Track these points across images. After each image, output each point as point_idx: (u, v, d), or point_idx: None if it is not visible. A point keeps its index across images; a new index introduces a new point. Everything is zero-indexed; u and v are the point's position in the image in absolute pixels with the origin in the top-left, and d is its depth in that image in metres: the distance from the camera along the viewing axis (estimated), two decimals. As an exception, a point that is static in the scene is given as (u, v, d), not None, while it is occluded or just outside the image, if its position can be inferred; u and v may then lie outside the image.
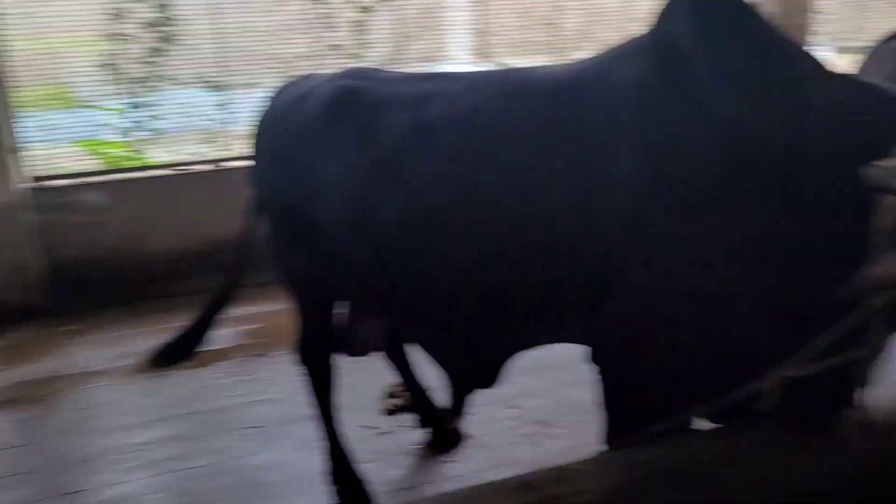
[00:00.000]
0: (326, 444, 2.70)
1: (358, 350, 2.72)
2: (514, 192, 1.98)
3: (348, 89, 2.27)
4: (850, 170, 1.59)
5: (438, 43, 5.52)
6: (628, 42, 2.00)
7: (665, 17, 1.89)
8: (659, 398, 2.00)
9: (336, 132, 2.22)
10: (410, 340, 2.72)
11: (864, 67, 4.06)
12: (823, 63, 1.80)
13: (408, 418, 3.18)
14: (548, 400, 3.35)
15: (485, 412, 3.12)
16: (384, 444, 3.07)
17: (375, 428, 3.15)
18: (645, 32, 1.96)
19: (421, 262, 2.13)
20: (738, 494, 1.75)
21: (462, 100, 2.08)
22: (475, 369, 2.38)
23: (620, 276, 1.90)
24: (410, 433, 3.10)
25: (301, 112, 2.31)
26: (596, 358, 2.11)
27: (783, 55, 1.78)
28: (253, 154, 2.52)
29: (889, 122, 1.64)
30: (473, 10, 5.54)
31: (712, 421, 2.02)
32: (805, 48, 1.88)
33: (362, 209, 2.15)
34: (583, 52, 5.97)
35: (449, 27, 5.56)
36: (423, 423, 3.07)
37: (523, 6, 5.70)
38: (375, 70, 2.47)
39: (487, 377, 2.37)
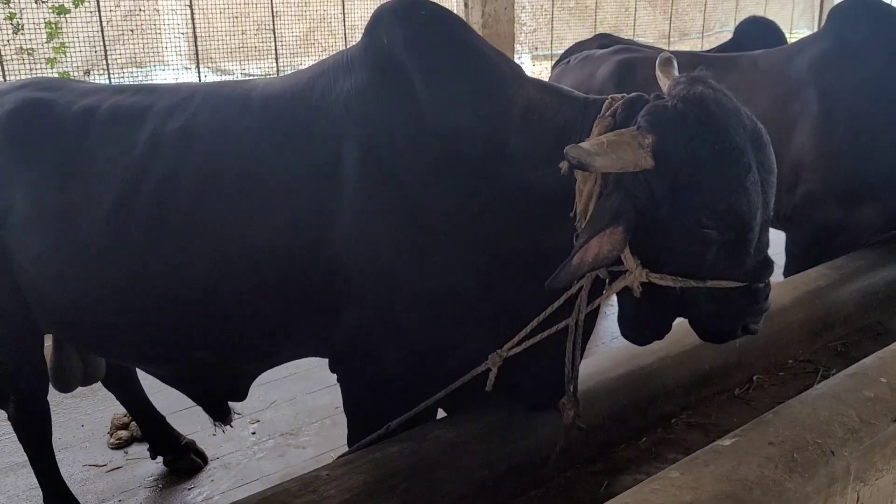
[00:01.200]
0: (47, 491, 2.44)
1: (64, 385, 2.46)
2: (236, 213, 1.91)
3: (33, 102, 2.06)
4: (548, 166, 1.72)
5: (150, 47, 5.20)
6: (340, 54, 2.04)
7: (373, 30, 1.95)
8: (397, 396, 2.06)
9: (23, 151, 2.00)
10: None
11: (555, 74, 4.59)
12: (521, 69, 1.98)
13: (140, 449, 2.99)
14: (289, 410, 3.34)
15: (224, 430, 3.02)
16: (116, 481, 2.84)
17: (103, 465, 2.92)
18: (356, 45, 2.01)
19: (137, 297, 1.97)
20: (471, 475, 1.90)
21: (173, 115, 1.98)
22: (220, 393, 2.30)
23: (350, 285, 1.92)
24: (145, 465, 2.92)
25: None
26: (334, 366, 2.14)
27: (487, 62, 1.90)
28: None
29: (575, 121, 1.79)
30: (187, 14, 5.30)
31: (448, 411, 2.15)
32: (506, 56, 2.04)
33: (63, 239, 1.96)
34: (305, 59, 6.01)
35: (162, 31, 5.26)
36: (158, 452, 2.90)
37: (241, 11, 5.57)
38: (64, 80, 2.27)
39: (237, 394, 2.30)
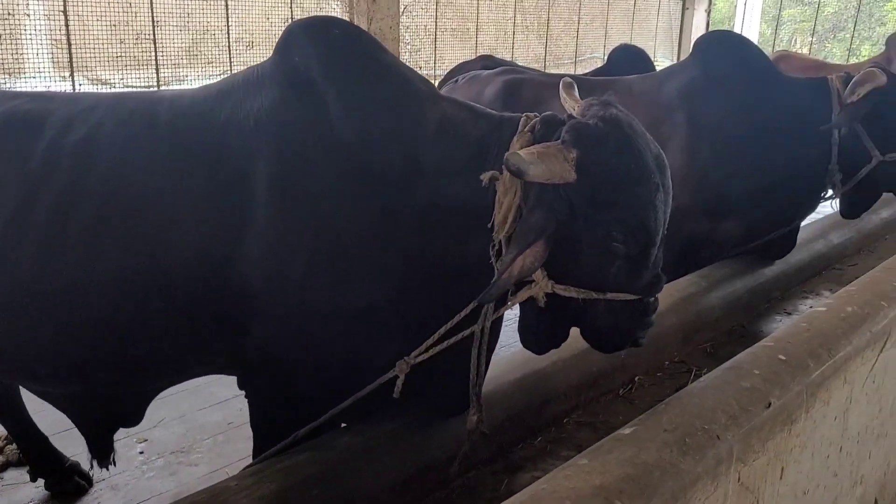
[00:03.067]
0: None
1: None
2: (141, 232, 1.85)
3: None
4: (465, 179, 1.78)
5: (21, 54, 4.91)
6: (250, 70, 2.03)
7: (284, 47, 1.95)
8: (308, 410, 2.03)
9: None
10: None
11: (444, 92, 4.71)
12: (434, 86, 2.04)
13: (17, 473, 2.82)
14: (179, 428, 3.26)
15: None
16: (-8, 507, 2.68)
17: (-23, 492, 2.74)
18: (266, 61, 2.00)
19: (34, 313, 1.88)
20: (380, 479, 1.94)
21: (73, 126, 1.90)
22: (115, 416, 2.21)
23: (261, 303, 1.89)
24: (23, 489, 2.76)
25: None
26: (244, 383, 2.11)
27: (400, 79, 1.95)
28: None
29: (492, 136, 1.84)
30: (61, 20, 5.04)
31: (348, 422, 2.17)
32: (418, 73, 2.09)
33: None
34: (188, 70, 5.87)
35: (34, 37, 4.97)
36: (39, 474, 2.74)
37: (120, 19, 5.37)
38: None
39: (133, 418, 2.22)
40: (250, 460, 2.56)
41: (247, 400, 2.13)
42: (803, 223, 3.72)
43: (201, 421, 3.29)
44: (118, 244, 1.85)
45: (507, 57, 8.11)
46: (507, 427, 2.29)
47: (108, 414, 2.23)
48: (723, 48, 3.45)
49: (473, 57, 6.32)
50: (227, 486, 1.81)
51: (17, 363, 2.01)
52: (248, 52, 6.16)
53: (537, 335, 1.93)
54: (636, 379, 2.78)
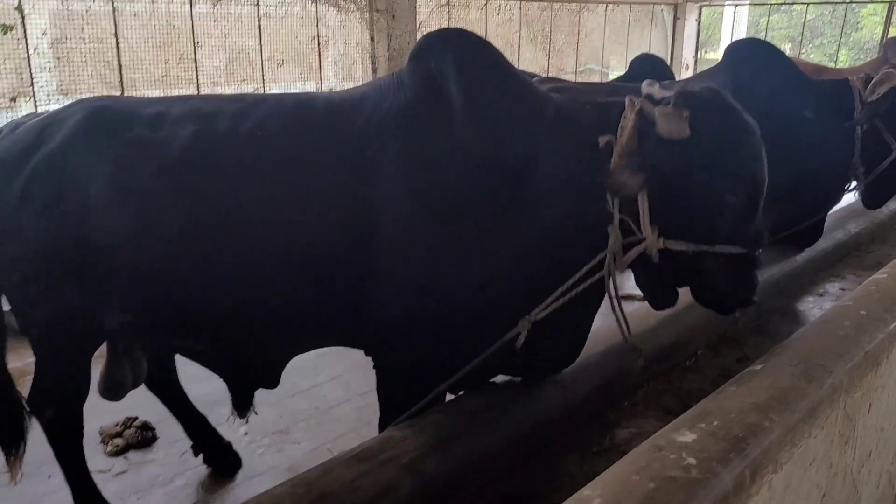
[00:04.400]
0: (78, 492, 2.52)
1: (115, 393, 2.57)
2: (294, 209, 2.12)
3: (105, 107, 2.22)
4: (578, 163, 1.99)
5: (77, 76, 5.15)
6: (390, 75, 2.30)
7: (419, 54, 2.21)
8: (430, 380, 2.27)
9: (103, 149, 2.14)
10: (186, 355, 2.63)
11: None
12: (547, 89, 2.31)
13: (138, 454, 3.07)
14: (273, 412, 3.50)
15: (222, 428, 3.16)
16: (126, 483, 2.93)
17: (108, 471, 2.98)
18: (403, 68, 2.26)
19: (208, 278, 2.15)
20: (508, 430, 2.23)
21: (246, 117, 2.17)
22: (261, 374, 2.49)
23: (390, 286, 2.13)
24: (149, 467, 3.01)
25: (50, 143, 2.16)
26: (374, 356, 2.35)
27: (520, 80, 2.18)
28: None
29: (600, 121, 2.01)
30: (112, 43, 5.27)
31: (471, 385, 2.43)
32: (531, 74, 2.35)
33: (145, 229, 2.12)
34: (226, 87, 6.13)
35: (88, 60, 5.20)
36: (200, 450, 3.04)
37: (164, 41, 5.63)
38: (120, 97, 2.43)
39: (273, 379, 2.49)
40: (346, 439, 2.86)
41: (375, 371, 2.36)
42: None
43: (292, 407, 3.55)
44: (282, 219, 2.12)
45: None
46: (600, 392, 2.59)
47: (254, 375, 2.52)
48: (753, 54, 3.78)
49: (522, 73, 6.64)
50: (392, 436, 2.10)
51: (196, 324, 2.27)
52: (279, 69, 6.43)
53: (655, 293, 2.15)
54: (698, 352, 3.10)
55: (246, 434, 3.31)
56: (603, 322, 2.41)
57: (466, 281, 2.13)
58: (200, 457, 3.03)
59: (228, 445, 3.09)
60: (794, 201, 3.73)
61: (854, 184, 3.80)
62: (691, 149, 1.86)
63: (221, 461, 3.05)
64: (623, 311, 2.10)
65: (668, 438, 1.44)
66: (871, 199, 3.91)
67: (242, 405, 2.62)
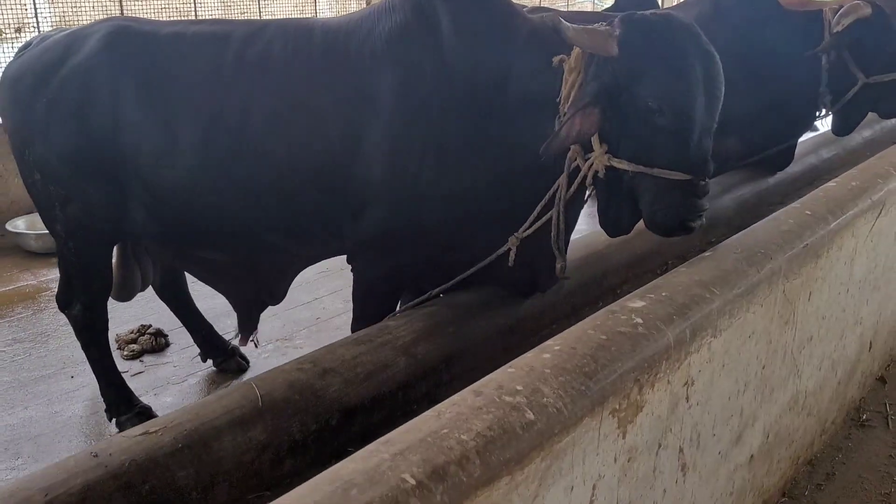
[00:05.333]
0: (106, 381, 2.78)
1: (126, 293, 2.81)
2: (300, 124, 2.32)
3: (126, 27, 2.40)
4: (545, 75, 2.11)
5: (77, 7, 5.25)
6: (383, 2, 2.45)
7: None
8: (404, 285, 2.54)
9: (126, 65, 2.34)
10: (193, 273, 2.87)
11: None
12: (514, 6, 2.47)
13: (153, 358, 3.34)
14: (276, 323, 3.77)
15: (228, 337, 3.42)
16: (143, 382, 3.20)
17: (125, 371, 3.24)
18: None
19: (225, 185, 2.37)
20: (491, 326, 2.49)
21: (253, 41, 2.37)
22: (270, 283, 2.70)
23: (379, 189, 2.33)
24: (164, 368, 3.28)
25: (78, 56, 2.36)
26: (353, 258, 2.57)
27: (504, 5, 2.32)
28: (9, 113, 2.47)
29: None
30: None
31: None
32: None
33: (166, 140, 2.33)
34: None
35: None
36: (208, 355, 3.29)
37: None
38: (138, 18, 2.60)
39: (280, 292, 2.72)
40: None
41: (353, 273, 2.58)
42: (800, 140, 4.29)
43: (294, 318, 3.82)
44: (286, 131, 2.33)
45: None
46: (578, 293, 2.84)
47: (258, 288, 2.73)
48: (730, -16, 3.93)
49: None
50: (387, 325, 2.35)
51: (219, 225, 2.47)
52: (275, 2, 6.50)
53: (608, 217, 2.23)
54: (668, 262, 3.35)
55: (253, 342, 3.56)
56: (587, 225, 2.62)
57: (448, 190, 2.32)
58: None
59: (235, 348, 3.34)
60: (765, 126, 3.94)
61: (824, 111, 3.99)
62: (627, 70, 1.94)
63: (231, 363, 3.32)
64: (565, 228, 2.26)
65: (622, 304, 1.69)
66: (840, 126, 4.08)
67: (248, 326, 2.85)
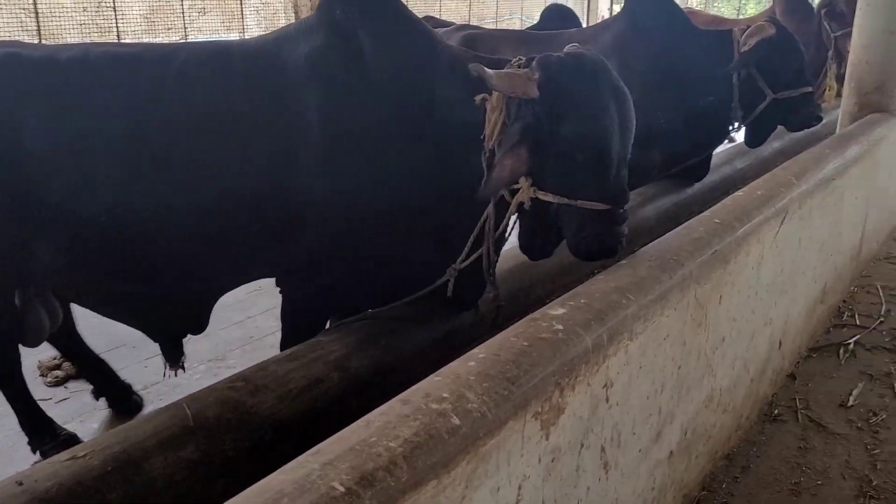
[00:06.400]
0: (25, 415, 2.72)
1: (34, 338, 2.67)
2: (223, 149, 2.29)
3: (18, 56, 2.29)
4: (467, 106, 2.19)
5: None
6: (299, 22, 2.50)
7: (327, 4, 2.38)
8: (332, 301, 2.55)
9: (29, 97, 2.24)
10: (104, 311, 2.72)
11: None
12: (461, 37, 2.56)
13: (78, 384, 3.27)
14: (207, 343, 3.73)
15: (154, 362, 3.37)
16: (69, 408, 3.13)
17: (49, 399, 3.18)
18: (311, 15, 2.46)
19: (146, 217, 2.30)
20: (425, 337, 2.55)
21: (168, 63, 2.32)
22: (190, 313, 2.63)
23: (312, 212, 2.33)
24: (88, 394, 3.20)
25: None
26: (284, 280, 2.57)
27: (421, 29, 2.42)
28: None
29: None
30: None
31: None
32: (424, 24, 2.58)
33: (82, 171, 2.24)
34: (149, 36, 6.14)
35: (2, 6, 5.17)
36: (101, 394, 3.16)
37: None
38: (22, 42, 2.51)
39: (199, 323, 2.66)
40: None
41: (282, 294, 2.60)
42: (715, 151, 4.51)
43: (226, 337, 3.79)
44: (212, 157, 2.29)
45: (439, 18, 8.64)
46: (507, 303, 2.93)
47: (178, 320, 2.65)
48: (648, 4, 4.13)
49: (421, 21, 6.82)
50: (319, 339, 2.38)
51: (130, 261, 2.40)
52: (201, 18, 6.46)
53: (531, 243, 2.36)
54: (594, 271, 3.47)
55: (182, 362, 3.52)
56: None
57: (377, 212, 2.35)
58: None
59: (128, 388, 3.20)
60: (682, 139, 4.14)
61: (737, 125, 4.21)
62: (547, 111, 2.05)
63: (126, 402, 3.16)
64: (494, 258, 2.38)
65: (543, 313, 1.77)
66: (752, 139, 4.32)
67: (174, 355, 2.77)
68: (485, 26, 9.89)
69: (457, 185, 2.35)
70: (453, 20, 6.64)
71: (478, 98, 2.19)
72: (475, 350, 1.60)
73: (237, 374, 2.19)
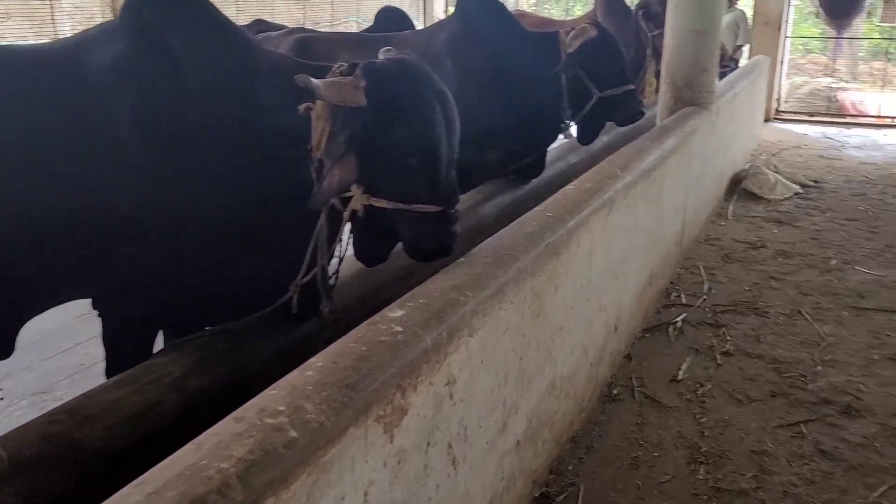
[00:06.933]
0: None
1: None
2: (33, 162, 2.10)
3: None
4: (292, 113, 2.10)
5: None
6: (100, 26, 2.34)
7: (132, 4, 2.23)
8: (153, 324, 2.43)
9: None
10: None
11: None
12: (252, 38, 2.47)
13: None
14: (31, 376, 3.45)
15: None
16: None
17: None
18: (115, 18, 2.31)
19: None
20: (270, 346, 2.47)
21: None
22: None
23: (130, 229, 2.18)
24: None
25: None
26: (103, 303, 2.40)
27: (235, 32, 2.31)
28: None
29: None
30: None
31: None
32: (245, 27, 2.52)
33: None
34: None
35: None
36: None
37: None
38: None
39: (5, 346, 2.39)
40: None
41: (101, 318, 2.44)
42: (550, 148, 4.70)
43: (52, 367, 3.51)
44: (23, 172, 2.10)
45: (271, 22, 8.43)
46: (355, 307, 2.90)
47: None
48: (478, 7, 4.23)
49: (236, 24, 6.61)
50: (154, 362, 2.25)
51: None
52: (4, 24, 5.98)
53: (366, 249, 2.36)
54: (437, 270, 3.52)
55: (2, 399, 3.23)
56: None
57: (201, 224, 2.23)
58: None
59: None
60: (517, 139, 4.29)
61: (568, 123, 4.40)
62: (376, 118, 2.05)
63: None
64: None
65: (382, 315, 1.76)
66: (583, 135, 4.56)
67: None
68: (320, 30, 9.82)
69: (286, 196, 2.28)
70: (286, 24, 6.53)
71: (301, 107, 2.13)
72: (313, 359, 1.58)
73: (59, 407, 2.03)
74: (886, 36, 14.44)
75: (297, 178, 2.23)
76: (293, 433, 1.30)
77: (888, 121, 10.41)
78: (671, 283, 4.45)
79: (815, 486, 2.59)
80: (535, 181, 4.67)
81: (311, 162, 2.17)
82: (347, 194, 2.13)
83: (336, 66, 2.23)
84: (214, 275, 2.38)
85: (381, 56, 2.42)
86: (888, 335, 3.76)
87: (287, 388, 1.44)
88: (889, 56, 15.15)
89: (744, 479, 2.62)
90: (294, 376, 1.49)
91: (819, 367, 3.42)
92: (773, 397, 3.17)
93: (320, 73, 2.20)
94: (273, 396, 1.41)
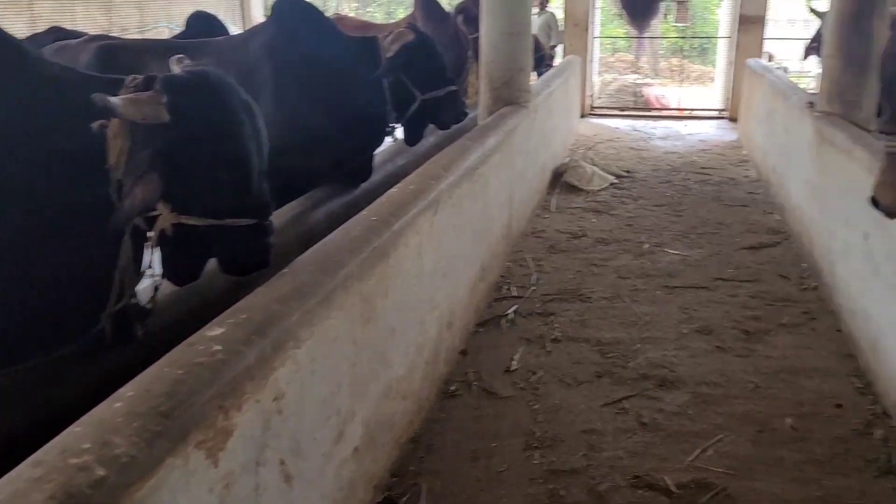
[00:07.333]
0: None
1: None
2: None
3: None
4: (82, 132, 1.93)
5: None
6: None
7: None
8: None
9: None
10: None
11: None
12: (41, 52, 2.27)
13: None
14: None
15: None
16: None
17: None
18: None
19: None
20: (86, 378, 2.28)
21: None
22: None
23: None
24: None
25: None
26: None
27: (13, 46, 2.08)
28: None
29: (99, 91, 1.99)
30: None
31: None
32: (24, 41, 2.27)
33: None
34: None
35: None
36: None
37: None
38: None
39: None
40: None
41: None
42: (378, 151, 4.71)
43: None
44: None
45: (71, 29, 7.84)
46: (178, 328, 2.76)
47: None
48: (294, 11, 4.15)
49: (32, 31, 6.09)
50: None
51: None
52: None
53: (176, 268, 2.23)
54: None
55: None
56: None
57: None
58: None
59: None
60: (344, 143, 4.26)
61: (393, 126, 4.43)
62: (181, 133, 1.96)
63: None
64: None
65: (200, 335, 1.68)
66: (409, 137, 4.60)
67: None
68: (128, 36, 9.25)
69: (83, 219, 2.10)
70: (89, 31, 6.07)
71: (95, 125, 1.96)
72: (123, 389, 1.47)
73: None
74: (680, 35, 15.82)
75: (96, 200, 2.05)
76: (100, 471, 1.21)
77: (687, 112, 11.39)
78: (501, 276, 4.61)
79: (638, 457, 2.77)
80: (364, 185, 4.66)
81: (109, 182, 2.02)
82: (153, 213, 2.02)
83: (130, 78, 2.11)
84: (4, 309, 2.14)
85: (175, 67, 2.33)
86: (695, 310, 4.11)
87: (94, 424, 1.34)
88: (685, 53, 16.60)
89: (575, 459, 2.76)
90: (101, 409, 1.39)
91: (638, 345, 3.67)
92: (598, 378, 3.37)
93: (111, 86, 2.07)
94: (77, 434, 1.30)
